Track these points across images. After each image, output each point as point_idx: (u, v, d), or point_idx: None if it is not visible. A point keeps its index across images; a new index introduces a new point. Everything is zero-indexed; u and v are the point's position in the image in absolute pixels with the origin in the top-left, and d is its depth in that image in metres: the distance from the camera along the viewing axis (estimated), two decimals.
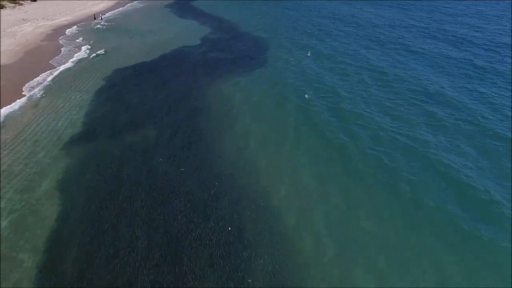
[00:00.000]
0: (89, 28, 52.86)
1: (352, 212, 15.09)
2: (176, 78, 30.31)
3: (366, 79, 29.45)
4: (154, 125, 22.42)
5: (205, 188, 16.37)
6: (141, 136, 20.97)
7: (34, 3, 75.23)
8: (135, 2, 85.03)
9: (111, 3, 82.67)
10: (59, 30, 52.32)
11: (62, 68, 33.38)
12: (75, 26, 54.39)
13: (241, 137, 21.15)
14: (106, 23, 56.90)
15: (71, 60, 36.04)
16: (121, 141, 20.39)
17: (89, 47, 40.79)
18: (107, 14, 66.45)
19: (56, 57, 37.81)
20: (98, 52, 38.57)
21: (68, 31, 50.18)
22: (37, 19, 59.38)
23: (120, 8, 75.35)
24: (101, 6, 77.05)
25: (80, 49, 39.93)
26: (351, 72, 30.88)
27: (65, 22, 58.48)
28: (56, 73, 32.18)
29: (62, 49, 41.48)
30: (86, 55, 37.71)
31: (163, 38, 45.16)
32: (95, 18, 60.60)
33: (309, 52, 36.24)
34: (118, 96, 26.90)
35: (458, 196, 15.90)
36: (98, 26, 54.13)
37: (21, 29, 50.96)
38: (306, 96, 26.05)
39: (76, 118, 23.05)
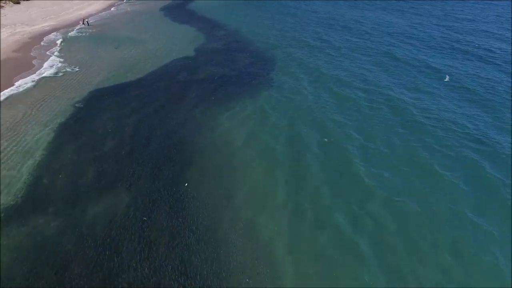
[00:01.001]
0: (71, 35, 46.36)
1: None
2: (164, 107, 23.89)
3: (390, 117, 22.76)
4: (127, 189, 15.95)
5: None
6: (109, 206, 14.66)
7: (16, 6, 68.64)
8: (128, 5, 78.52)
9: (102, 5, 76.13)
10: (38, 38, 45.80)
11: (20, 89, 26.80)
12: (56, 33, 47.87)
13: (248, 222, 14.06)
14: (91, 30, 50.45)
15: (33, 80, 29.05)
16: (80, 217, 14.10)
17: (62, 60, 34.27)
18: (95, 19, 59.97)
19: (23, 73, 31.41)
20: (72, 68, 32.17)
21: (46, 39, 43.68)
22: (15, 24, 52.85)
23: (110, 11, 68.88)
24: (90, 9, 70.48)
25: (52, 64, 33.38)
26: (372, 105, 24.07)
27: (47, 28, 51.95)
28: (11, 95, 25.54)
29: (34, 61, 35.13)
30: (56, 72, 31.06)
31: (153, 48, 38.80)
32: (82, 23, 54.18)
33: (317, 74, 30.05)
34: (85, 138, 20.24)
35: None
36: (81, 33, 47.66)
37: None
38: (326, 139, 19.64)
39: (16, 180, 16.45)
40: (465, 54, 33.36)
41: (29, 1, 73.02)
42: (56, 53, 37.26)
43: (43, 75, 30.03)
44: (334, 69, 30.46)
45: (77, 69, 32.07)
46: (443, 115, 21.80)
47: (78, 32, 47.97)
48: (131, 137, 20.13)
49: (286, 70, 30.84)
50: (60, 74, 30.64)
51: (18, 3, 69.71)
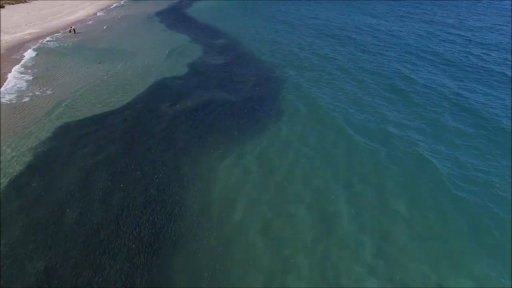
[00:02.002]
0: (50, 46, 40.83)
1: None
2: (145, 155, 18.26)
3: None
4: None
5: None
6: None
7: None
8: (123, 9, 73.00)
9: (93, 10, 70.58)
10: (14, 49, 40.40)
11: None
12: (36, 43, 42.44)
13: None
14: (75, 39, 44.97)
15: None
16: None
17: (31, 79, 28.60)
18: (84, 25, 54.47)
19: None
20: (43, 91, 26.61)
21: (21, 52, 38.24)
22: None
23: (101, 16, 63.36)
24: (80, 14, 64.90)
25: (17, 85, 27.46)
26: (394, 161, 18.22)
27: (27, 36, 46.45)
28: None
29: None
30: (19, 97, 25.29)
31: (141, 63, 33.31)
32: (70, 31, 48.67)
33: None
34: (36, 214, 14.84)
35: None
36: (63, 43, 42.13)
37: None
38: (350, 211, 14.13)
39: None
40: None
41: (14, 5, 67.55)
42: (29, 71, 31.70)
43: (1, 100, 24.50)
44: (345, 101, 24.90)
45: (49, 92, 26.58)
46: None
47: (59, 42, 42.39)
48: (100, 205, 14.72)
49: (295, 95, 25.38)
50: (26, 99, 25.16)
51: (3, 7, 64.14)
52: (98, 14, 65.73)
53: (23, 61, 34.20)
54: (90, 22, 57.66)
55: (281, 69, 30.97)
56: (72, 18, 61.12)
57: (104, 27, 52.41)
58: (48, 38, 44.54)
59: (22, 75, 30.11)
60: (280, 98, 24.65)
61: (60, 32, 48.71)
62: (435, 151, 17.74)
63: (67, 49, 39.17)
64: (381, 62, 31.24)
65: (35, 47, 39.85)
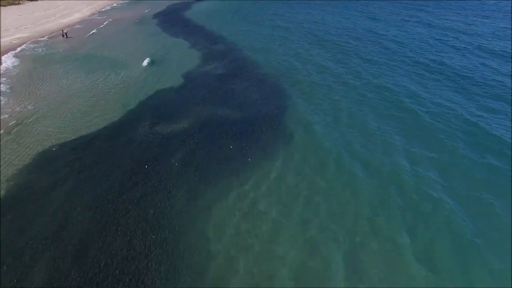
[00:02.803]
0: (38, 52, 38.05)
1: None
2: (132, 190, 15.74)
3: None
4: None
5: None
6: None
7: None
8: (118, 11, 70.09)
9: (89, 12, 67.69)
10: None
11: None
12: (21, 49, 39.63)
13: None
14: (66, 44, 42.16)
15: None
16: None
17: (8, 93, 25.86)
18: (77, 28, 51.61)
19: None
20: (22, 107, 23.89)
21: (3, 59, 35.38)
22: None
23: (97, 19, 60.45)
24: (75, 17, 62.05)
25: None
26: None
27: (16, 41, 43.63)
28: None
29: None
30: None
31: (134, 73, 30.53)
32: (63, 36, 45.89)
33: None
34: None
35: None
36: (51, 50, 39.28)
37: None
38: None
39: None
40: None
41: (6, 6, 64.60)
42: (7, 80, 28.85)
43: None
44: (349, 125, 22.25)
45: (30, 107, 23.81)
46: None
47: (47, 48, 39.50)
48: (73, 262, 12.04)
49: (307, 111, 22.63)
50: (5, 116, 22.42)
51: None
52: (94, 17, 62.85)
53: (3, 69, 31.40)
54: (84, 25, 54.78)
55: (284, 81, 28.18)
56: (66, 21, 58.34)
57: (97, 32, 49.58)
58: (35, 44, 41.72)
59: (1, 86, 27.39)
60: (285, 118, 21.88)
61: (44, 37, 45.82)
62: (450, 191, 14.89)
63: (55, 56, 36.32)
64: (387, 75, 28.27)
65: (19, 53, 37.04)
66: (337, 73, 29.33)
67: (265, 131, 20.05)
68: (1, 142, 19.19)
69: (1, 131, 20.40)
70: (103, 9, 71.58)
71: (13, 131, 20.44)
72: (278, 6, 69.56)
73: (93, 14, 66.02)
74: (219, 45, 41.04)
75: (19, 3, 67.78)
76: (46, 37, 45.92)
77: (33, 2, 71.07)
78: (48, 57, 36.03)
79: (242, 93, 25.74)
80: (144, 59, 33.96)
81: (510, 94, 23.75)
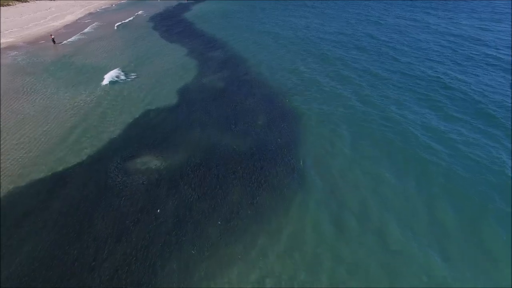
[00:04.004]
0: (18, 61, 34.13)
1: None
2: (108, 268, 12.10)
3: None
4: None
5: None
6: None
7: None
8: (113, 14, 66.04)
9: (82, 14, 63.64)
10: None
11: None
12: (5, 57, 35.75)
13: None
14: (52, 52, 38.23)
15: None
16: None
17: None
18: (68, 32, 47.58)
19: None
20: None
21: None
22: None
23: (89, 23, 56.35)
24: (67, 19, 57.99)
25: None
26: None
27: None
28: None
29: None
30: None
31: (122, 88, 26.74)
32: (54, 42, 41.87)
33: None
34: None
35: None
36: (35, 58, 35.35)
37: None
38: None
39: None
40: None
41: None
42: None
43: None
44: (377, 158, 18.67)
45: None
46: None
47: (30, 57, 35.50)
48: None
49: (319, 142, 19.05)
50: None
51: None
52: (86, 20, 58.80)
53: None
54: (75, 29, 50.74)
55: (294, 99, 24.56)
56: (57, 24, 54.31)
57: (91, 36, 45.62)
58: (16, 51, 37.78)
59: None
60: (299, 150, 18.25)
61: (29, 43, 41.84)
62: None
63: (36, 66, 32.39)
64: (410, 102, 24.91)
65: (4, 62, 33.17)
66: (346, 93, 25.70)
67: (276, 171, 16.39)
68: None
69: None
70: (97, 11, 67.50)
71: None
72: (281, 7, 65.75)
73: (86, 17, 61.97)
74: (222, 48, 37.38)
75: (8, 5, 63.56)
76: (29, 43, 41.95)
77: (23, 3, 66.88)
78: (31, 67, 32.12)
79: (245, 115, 22.05)
80: (139, 68, 30.17)
81: None
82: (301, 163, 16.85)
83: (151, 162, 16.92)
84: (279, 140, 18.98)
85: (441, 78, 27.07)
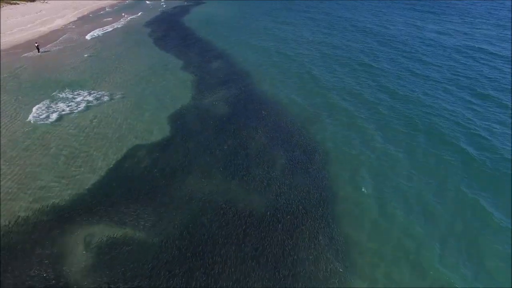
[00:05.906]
0: None
1: None
2: None
3: None
4: None
5: None
6: None
7: None
8: (107, 16, 60.89)
9: (73, 18, 58.45)
10: None
11: None
12: None
13: None
14: (33, 62, 33.17)
15: None
16: None
17: None
18: (55, 38, 42.48)
19: None
20: None
21: None
22: None
23: (80, 28, 51.18)
24: (56, 24, 52.85)
25: None
26: None
27: None
28: None
29: None
30: None
31: (105, 112, 21.84)
32: (38, 50, 36.77)
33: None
34: None
35: None
36: (10, 72, 30.20)
37: None
38: None
39: None
40: None
41: None
42: None
43: None
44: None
45: None
46: None
47: (4, 69, 30.44)
48: None
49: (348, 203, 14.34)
50: None
51: None
52: (77, 25, 53.63)
53: None
54: (65, 35, 45.61)
55: (314, 131, 19.79)
56: (44, 29, 49.13)
57: (80, 43, 40.58)
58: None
59: None
60: (323, 203, 13.50)
61: (6, 51, 36.69)
62: None
63: (9, 82, 27.34)
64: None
65: None
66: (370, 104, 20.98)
67: (294, 236, 11.63)
68: None
69: None
70: (89, 15, 62.28)
71: None
72: (286, 9, 60.92)
73: (77, 20, 56.80)
74: (223, 58, 32.63)
75: None
76: (6, 52, 36.85)
77: (12, 6, 61.60)
78: (16, 75, 27.16)
79: (257, 155, 17.22)
80: (129, 88, 25.26)
81: None
82: (323, 227, 12.05)
83: (134, 231, 12.07)
84: (306, 198, 14.15)
85: None
